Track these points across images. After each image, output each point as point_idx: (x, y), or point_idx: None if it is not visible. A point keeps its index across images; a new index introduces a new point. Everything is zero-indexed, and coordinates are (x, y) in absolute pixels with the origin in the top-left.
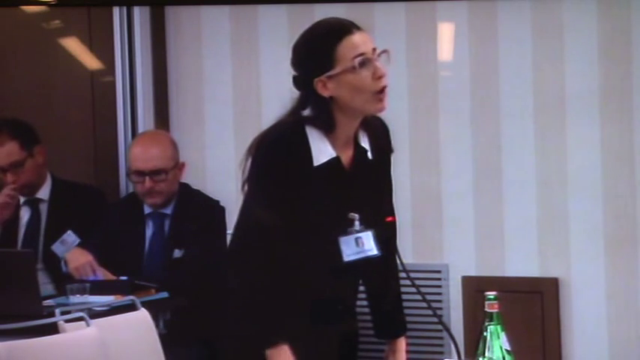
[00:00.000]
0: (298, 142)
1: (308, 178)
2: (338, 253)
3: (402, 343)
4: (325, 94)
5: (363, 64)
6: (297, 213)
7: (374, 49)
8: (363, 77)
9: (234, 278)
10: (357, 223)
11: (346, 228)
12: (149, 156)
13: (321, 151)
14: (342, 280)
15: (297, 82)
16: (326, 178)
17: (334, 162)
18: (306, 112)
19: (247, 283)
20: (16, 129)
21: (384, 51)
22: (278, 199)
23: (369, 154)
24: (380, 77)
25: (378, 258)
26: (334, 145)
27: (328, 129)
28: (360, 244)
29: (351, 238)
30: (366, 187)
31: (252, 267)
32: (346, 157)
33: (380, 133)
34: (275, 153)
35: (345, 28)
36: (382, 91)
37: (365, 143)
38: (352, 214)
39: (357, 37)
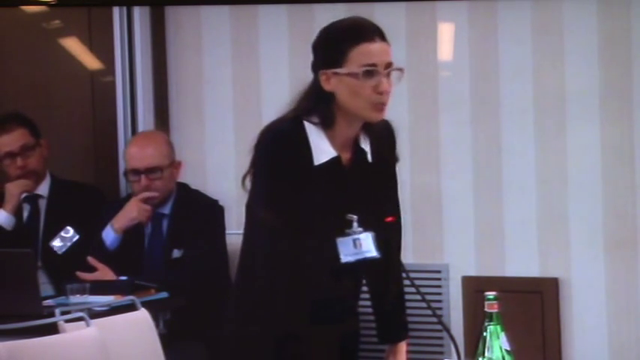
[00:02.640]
0: (298, 139)
1: (308, 177)
2: (336, 253)
3: (402, 346)
4: (326, 87)
5: (368, 74)
6: (297, 212)
7: (389, 64)
8: (364, 86)
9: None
10: (355, 224)
11: (344, 229)
12: (144, 154)
13: (322, 150)
14: (342, 280)
15: (312, 66)
16: (325, 177)
17: (334, 162)
18: (307, 104)
19: (267, 282)
20: (24, 118)
21: (400, 69)
22: (280, 197)
23: (369, 157)
24: (381, 92)
25: (380, 259)
26: (333, 145)
27: (327, 123)
28: (359, 246)
29: (349, 239)
30: (366, 189)
31: (265, 267)
32: (345, 157)
33: (384, 139)
34: (275, 150)
35: (367, 34)
36: (381, 103)
37: (365, 146)
38: (351, 215)
39: (374, 47)
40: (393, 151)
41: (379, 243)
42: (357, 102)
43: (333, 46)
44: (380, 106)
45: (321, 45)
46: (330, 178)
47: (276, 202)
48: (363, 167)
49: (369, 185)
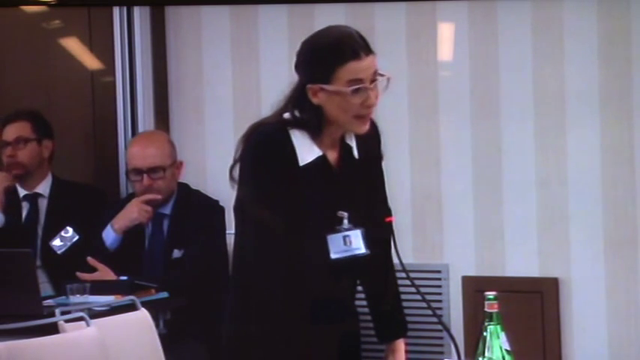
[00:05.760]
0: (281, 142)
1: (294, 178)
2: (326, 250)
3: (401, 344)
4: (314, 101)
5: (357, 91)
6: (287, 212)
7: (374, 73)
8: (352, 102)
9: (249, 278)
10: (345, 221)
11: (335, 226)
12: (147, 154)
13: (306, 150)
14: (336, 278)
15: (299, 76)
16: (313, 177)
17: (320, 161)
18: (295, 114)
19: (260, 282)
20: (33, 115)
21: (385, 76)
22: (268, 197)
23: (355, 153)
24: (369, 106)
25: (375, 258)
26: (319, 145)
27: (315, 134)
28: (348, 243)
29: (339, 236)
30: (355, 186)
31: (257, 266)
32: (332, 155)
33: (369, 136)
34: (259, 153)
35: (352, 52)
36: (368, 115)
37: (351, 141)
38: (341, 212)
39: (361, 64)
40: (378, 148)
41: (369, 240)
42: (344, 116)
43: (319, 64)
44: (366, 119)
45: (307, 61)
46: (318, 177)
47: (264, 203)
48: (351, 164)
49: (358, 181)
